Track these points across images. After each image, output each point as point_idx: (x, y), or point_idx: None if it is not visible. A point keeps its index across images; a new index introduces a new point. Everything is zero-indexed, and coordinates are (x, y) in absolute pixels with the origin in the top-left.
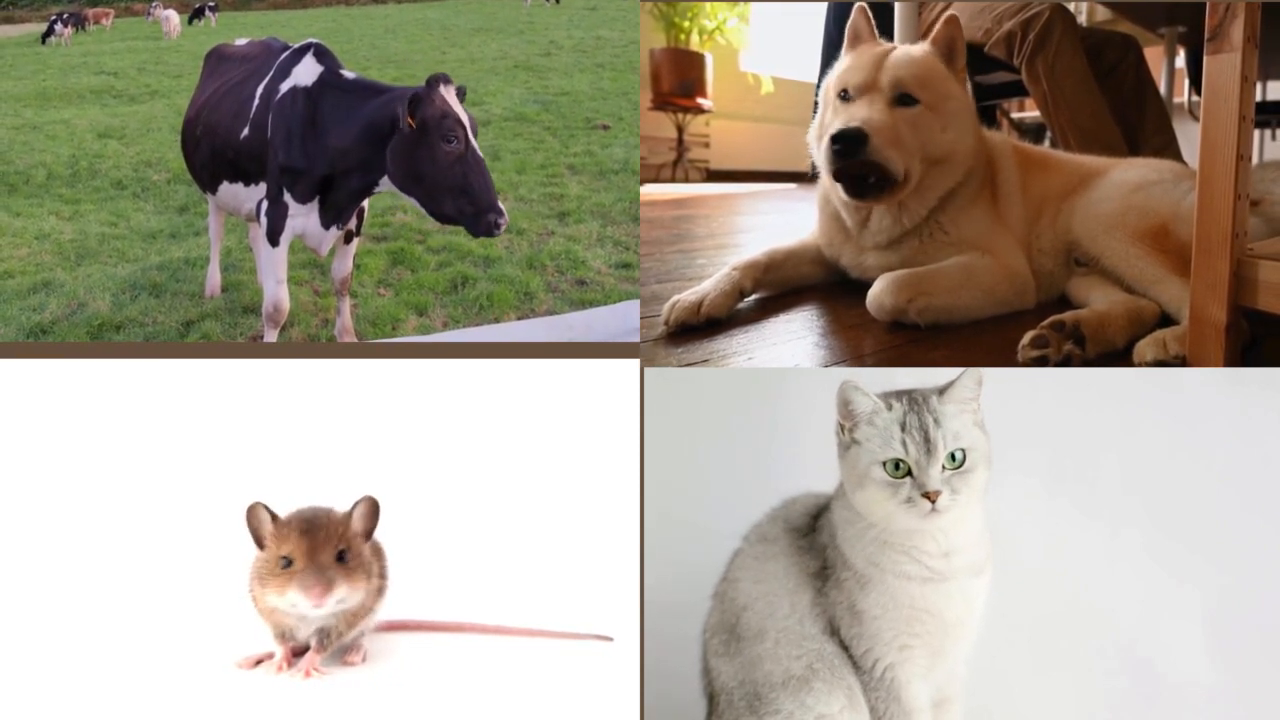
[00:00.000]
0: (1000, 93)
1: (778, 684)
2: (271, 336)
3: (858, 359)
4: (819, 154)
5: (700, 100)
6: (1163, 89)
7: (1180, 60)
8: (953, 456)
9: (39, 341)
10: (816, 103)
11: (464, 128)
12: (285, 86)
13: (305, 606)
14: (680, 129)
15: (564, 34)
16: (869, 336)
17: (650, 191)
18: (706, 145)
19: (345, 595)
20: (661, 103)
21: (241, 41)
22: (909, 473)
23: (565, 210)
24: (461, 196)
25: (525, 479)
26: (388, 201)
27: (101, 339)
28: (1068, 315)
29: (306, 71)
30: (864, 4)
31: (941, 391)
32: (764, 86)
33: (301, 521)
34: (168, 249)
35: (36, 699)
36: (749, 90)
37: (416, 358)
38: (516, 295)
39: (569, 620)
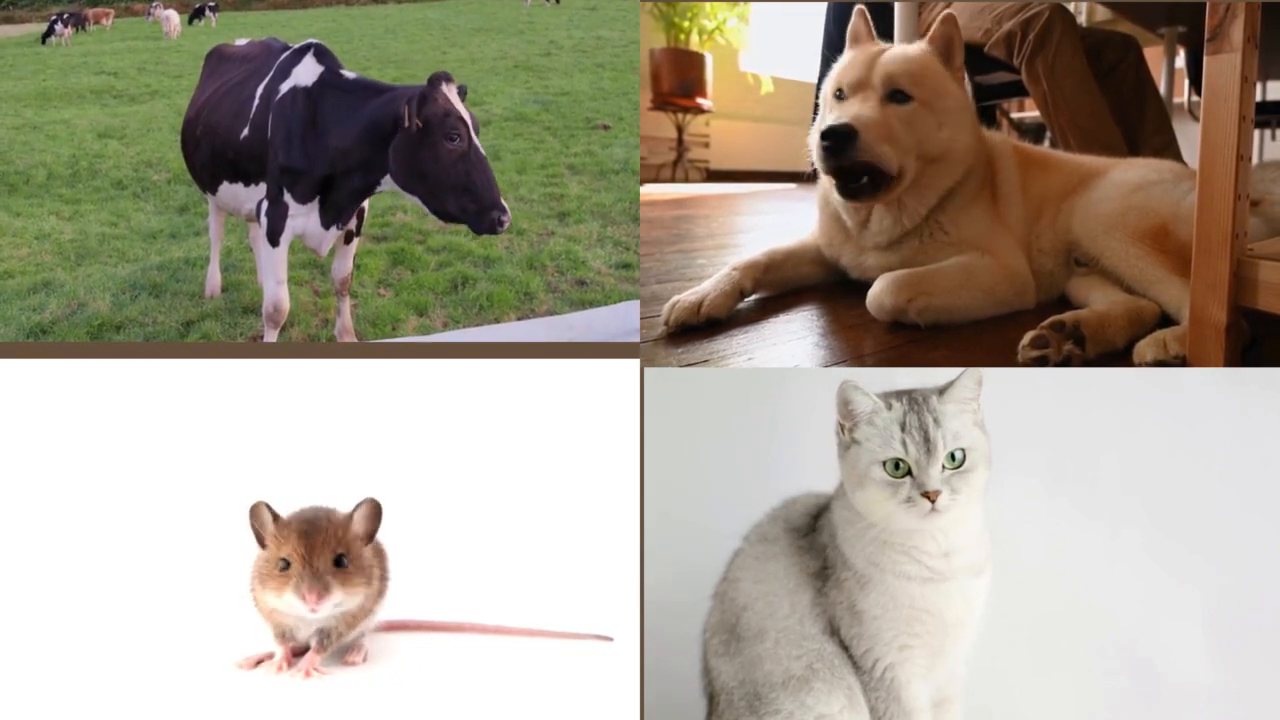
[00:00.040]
0: (1000, 93)
1: (778, 684)
2: (271, 336)
3: (858, 359)
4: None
5: (700, 100)
6: (1163, 89)
7: (1180, 60)
8: (952, 456)
9: (39, 341)
10: (817, 103)
11: (466, 125)
12: (285, 87)
13: (301, 610)
14: (680, 129)
15: (564, 34)
16: (869, 336)
17: (650, 191)
18: (706, 145)
19: (342, 600)
20: (661, 103)
21: (242, 42)
22: (909, 472)
23: (565, 210)
24: (464, 194)
25: (525, 479)
26: (388, 201)
27: (101, 339)
28: (1068, 315)
29: (307, 72)
30: (863, 6)
31: (941, 391)
32: (764, 86)
33: (301, 523)
34: (168, 249)
35: (37, 699)
36: (749, 90)
37: (417, 358)
38: (517, 295)
39: (569, 620)
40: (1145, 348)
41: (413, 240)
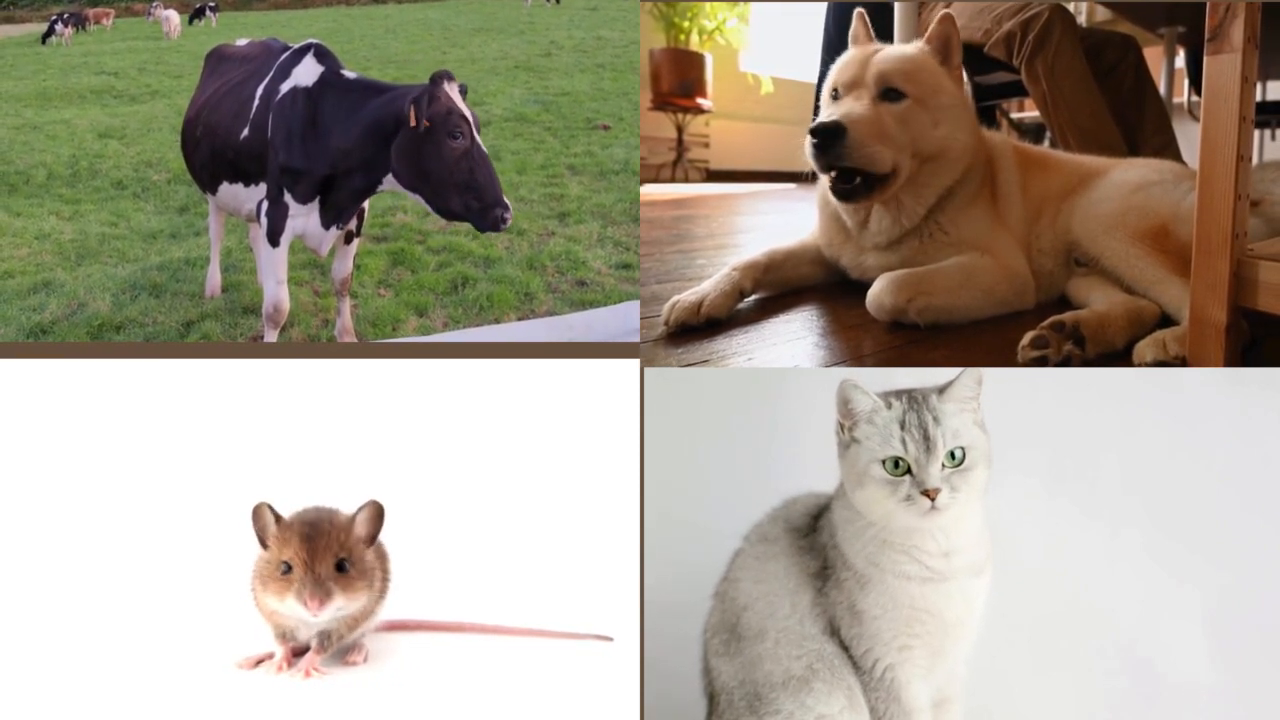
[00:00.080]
0: (1000, 93)
1: (778, 684)
2: (272, 337)
3: (857, 359)
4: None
5: (700, 100)
6: (1162, 89)
7: (1180, 60)
8: (952, 455)
9: (39, 341)
10: (817, 104)
11: (469, 123)
12: (285, 87)
13: (303, 615)
14: (680, 129)
15: (564, 34)
16: (869, 337)
17: (650, 191)
18: (706, 145)
19: (343, 605)
20: (661, 103)
21: (242, 42)
22: (908, 471)
23: (565, 211)
24: (468, 192)
25: (525, 479)
26: (388, 202)
27: (101, 339)
28: (1067, 316)
29: (307, 72)
30: (862, 10)
31: (941, 390)
32: (764, 86)
33: (303, 526)
34: (168, 249)
35: (37, 699)
36: (749, 90)
37: (417, 358)
38: (517, 296)
39: (569, 620)
40: (1145, 348)
41: (413, 240)
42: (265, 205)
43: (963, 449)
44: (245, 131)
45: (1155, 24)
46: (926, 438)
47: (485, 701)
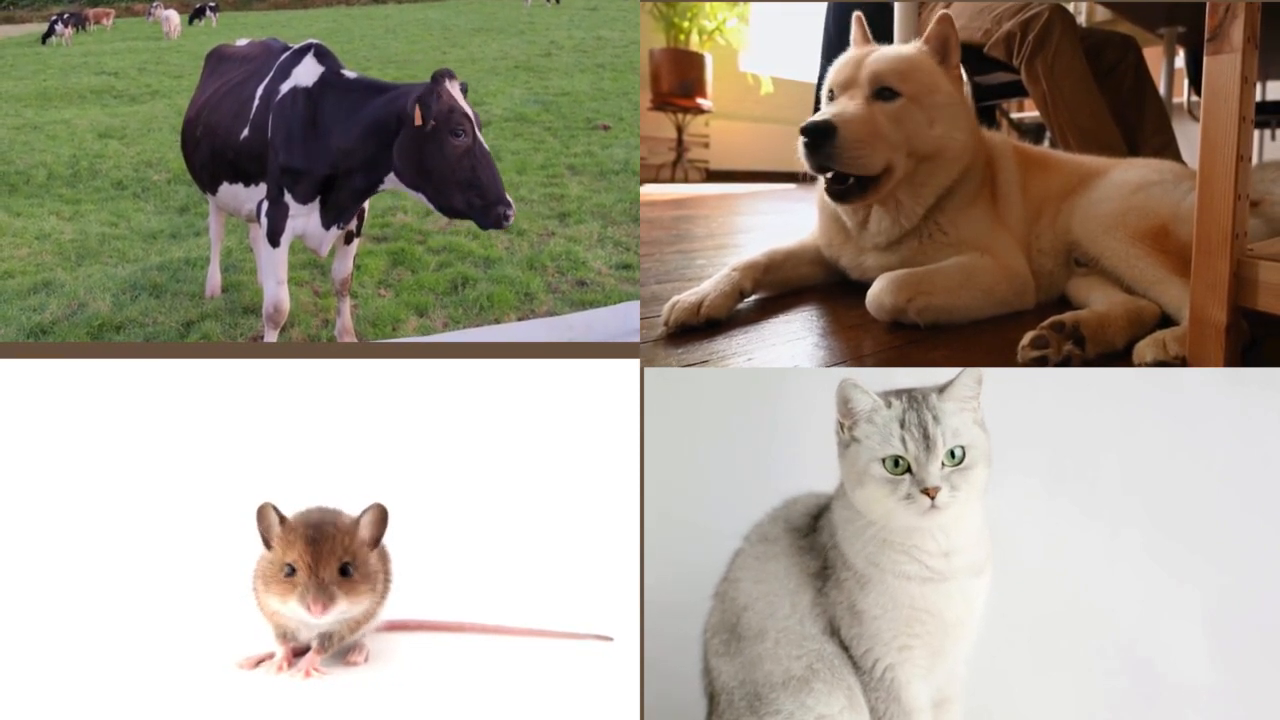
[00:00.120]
0: (1000, 93)
1: (778, 684)
2: (272, 337)
3: (857, 359)
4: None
5: (700, 100)
6: (1162, 89)
7: (1180, 60)
8: (952, 454)
9: (39, 341)
10: (817, 105)
11: (471, 121)
12: (285, 87)
13: (306, 618)
14: (680, 129)
15: (564, 34)
16: (868, 337)
17: (650, 192)
18: (706, 145)
19: (347, 609)
20: (661, 103)
21: (242, 42)
22: (908, 469)
23: (566, 211)
24: (470, 190)
25: (525, 479)
26: (388, 202)
27: (102, 339)
28: (1067, 316)
29: (307, 72)
30: (860, 14)
31: (941, 390)
32: (763, 87)
33: (308, 529)
34: (168, 249)
35: (37, 698)
36: (748, 90)
37: (417, 358)
38: (517, 296)
39: (569, 620)
40: (1145, 348)
41: (413, 241)
42: (265, 205)
43: (962, 448)
44: (245, 132)
45: (1155, 24)
46: (926, 436)
47: (485, 701)
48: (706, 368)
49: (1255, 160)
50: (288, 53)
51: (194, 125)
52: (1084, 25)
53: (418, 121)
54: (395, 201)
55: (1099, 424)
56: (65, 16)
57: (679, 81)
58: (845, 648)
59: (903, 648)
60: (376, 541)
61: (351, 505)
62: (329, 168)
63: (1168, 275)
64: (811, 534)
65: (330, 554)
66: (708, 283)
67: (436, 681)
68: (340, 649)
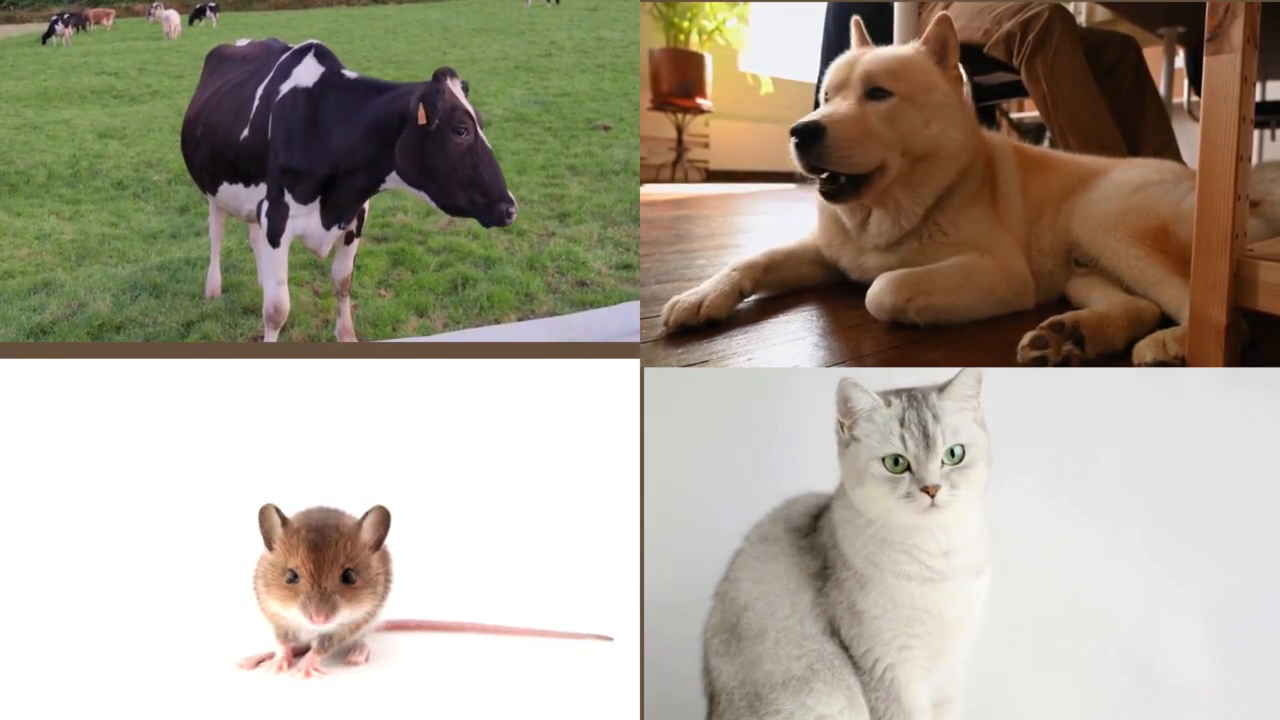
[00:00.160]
0: (1000, 93)
1: (778, 684)
2: (272, 337)
3: (857, 359)
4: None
5: (700, 100)
6: (1162, 89)
7: (1180, 60)
8: (952, 452)
9: (39, 342)
10: (817, 105)
11: (472, 119)
12: (286, 87)
13: (308, 624)
14: (680, 129)
15: (565, 35)
16: (868, 337)
17: (650, 192)
18: (706, 145)
19: (349, 615)
20: (661, 103)
21: (242, 42)
22: (908, 468)
23: (566, 211)
24: (473, 187)
25: (525, 479)
26: (388, 202)
27: (102, 339)
28: (1067, 316)
29: (307, 72)
30: (859, 18)
31: (941, 389)
32: (763, 87)
33: (310, 533)
34: (168, 249)
35: (37, 698)
36: (748, 90)
37: (417, 358)
38: (517, 296)
39: (569, 620)
40: (1145, 348)
41: (413, 241)
42: (265, 205)
43: (962, 446)
44: (245, 132)
45: (1155, 24)
46: (926, 435)
47: (485, 701)
48: (706, 368)
49: (1255, 160)
50: (288, 53)
51: (194, 125)
52: (1084, 25)
53: (422, 120)
54: (395, 202)
55: (1099, 424)
56: (65, 16)
57: (679, 81)
58: (845, 648)
59: (903, 648)
60: (379, 544)
61: (352, 505)
62: (329, 168)
63: (1167, 275)
64: (811, 534)
65: (333, 561)
66: (708, 283)
67: (436, 681)
68: (340, 649)
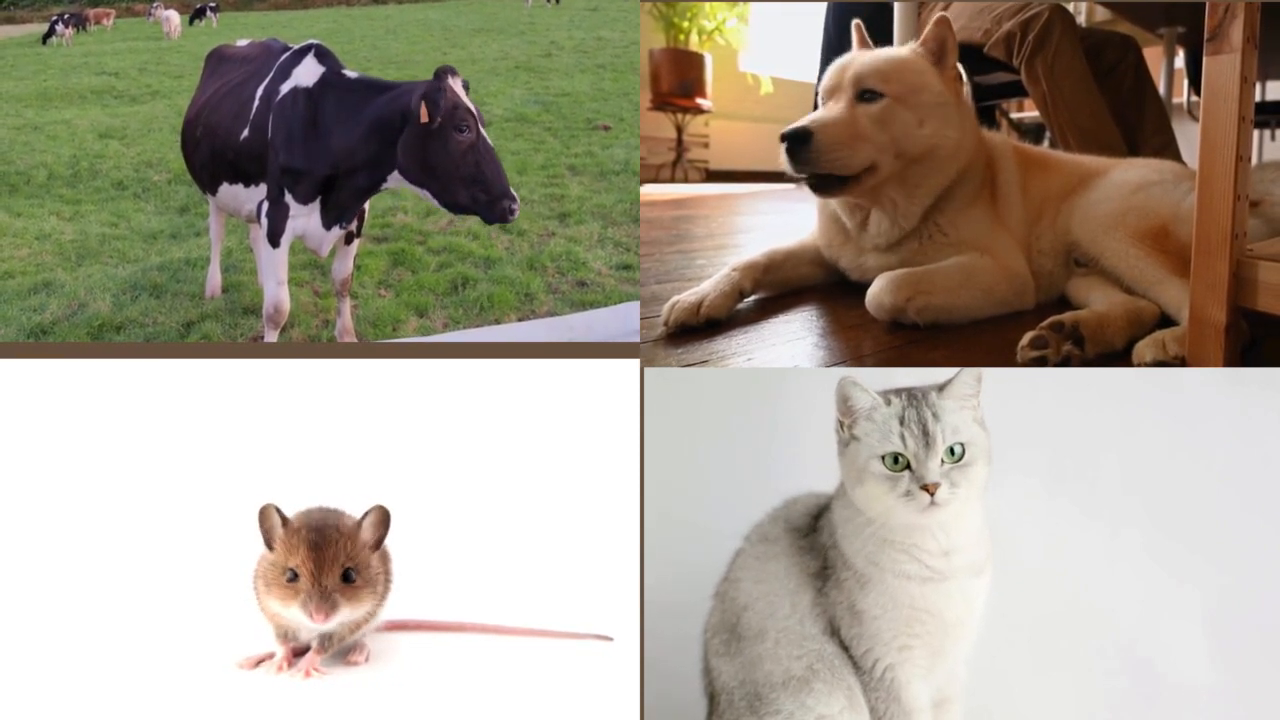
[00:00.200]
0: (1000, 93)
1: (778, 684)
2: (272, 337)
3: (857, 359)
4: None
5: (699, 100)
6: (1162, 89)
7: (1180, 60)
8: (951, 450)
9: (39, 342)
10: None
11: (474, 117)
12: (286, 87)
13: (308, 623)
14: (679, 129)
15: (565, 35)
16: (868, 337)
17: (650, 192)
18: (706, 145)
19: (349, 614)
20: (661, 103)
21: (242, 42)
22: (908, 466)
23: (566, 211)
24: (475, 185)
25: (525, 479)
26: (388, 202)
27: (102, 339)
28: (1067, 316)
29: (307, 72)
30: (859, 22)
31: (941, 388)
32: (763, 87)
33: (311, 533)
34: (168, 250)
35: (37, 698)
36: (748, 90)
37: (417, 358)
38: (517, 296)
39: (569, 620)
40: (1144, 348)
41: (413, 241)
42: (266, 206)
43: (962, 445)
44: (245, 132)
45: (1155, 24)
46: (926, 433)
47: (485, 701)
48: (706, 368)
49: (1255, 160)
50: (288, 53)
51: (194, 126)
52: (1084, 25)
53: (424, 118)
54: (395, 202)
55: (1099, 424)
56: (66, 17)
57: (679, 81)
58: (845, 648)
59: (903, 648)
60: (379, 544)
61: (352, 505)
62: (330, 168)
63: (1167, 275)
64: (812, 534)
65: (333, 560)
66: (707, 283)
67: (436, 681)
68: (340, 649)
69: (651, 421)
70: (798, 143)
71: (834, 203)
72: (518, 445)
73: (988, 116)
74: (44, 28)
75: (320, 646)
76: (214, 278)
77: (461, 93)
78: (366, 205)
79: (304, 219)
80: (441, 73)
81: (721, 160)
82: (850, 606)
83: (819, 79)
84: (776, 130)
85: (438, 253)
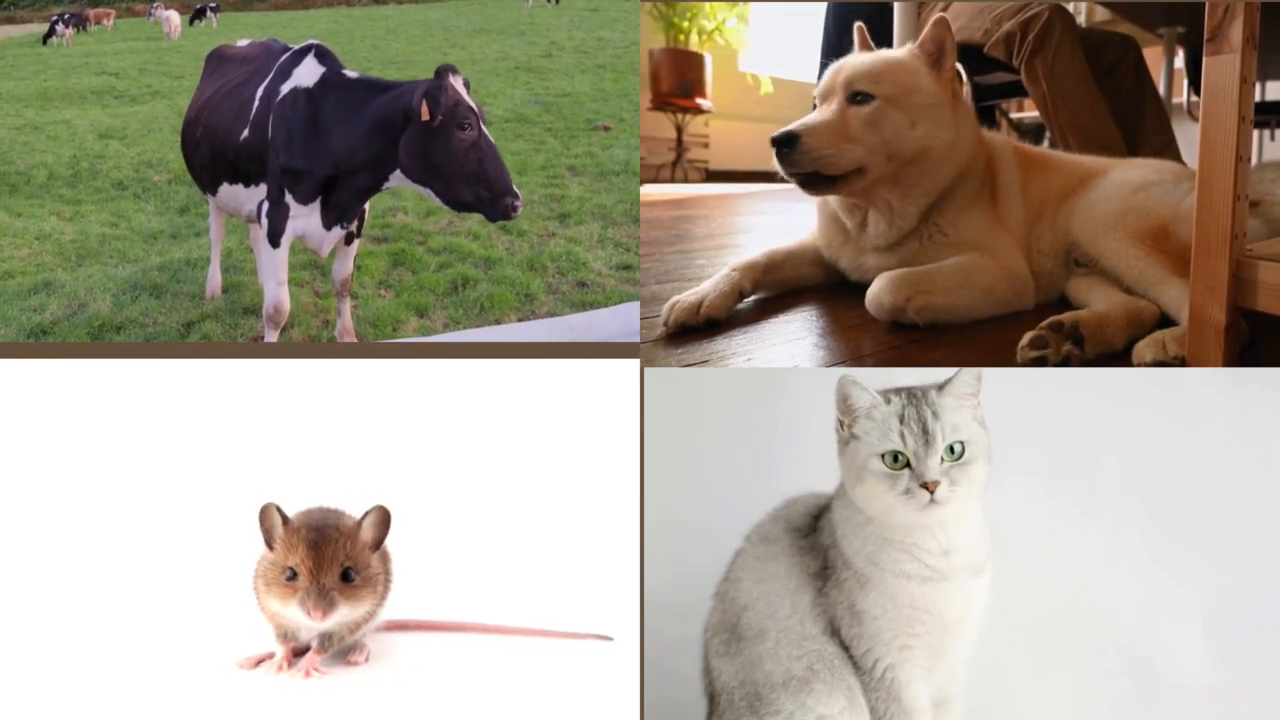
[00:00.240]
0: (1000, 93)
1: (778, 684)
2: (272, 337)
3: (857, 360)
4: None
5: (699, 100)
6: (1162, 89)
7: (1179, 60)
8: (951, 449)
9: (39, 342)
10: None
11: (475, 115)
12: (286, 88)
13: (307, 622)
14: (679, 129)
15: (565, 35)
16: (868, 337)
17: (649, 192)
18: (706, 145)
19: (348, 613)
20: (660, 103)
21: (242, 43)
22: (907, 464)
23: (566, 212)
24: (478, 182)
25: (526, 479)
26: (388, 203)
27: (102, 339)
28: (1066, 316)
29: (308, 72)
30: (861, 25)
31: (941, 387)
32: (763, 87)
33: (310, 532)
34: (168, 250)
35: (37, 698)
36: (748, 90)
37: (417, 358)
38: (517, 297)
39: (569, 620)
40: (1144, 348)
41: (413, 241)
42: (266, 206)
43: (962, 443)
44: (245, 132)
45: (1155, 24)
46: (925, 431)
47: (485, 701)
48: (706, 368)
49: (1255, 160)
50: (288, 53)
51: (194, 126)
52: (1084, 25)
53: (425, 116)
54: (395, 202)
55: (1099, 424)
56: (66, 17)
57: (679, 81)
58: (846, 648)
59: (903, 648)
60: (378, 544)
61: (352, 505)
62: (330, 168)
63: (1167, 275)
64: (812, 534)
65: (332, 559)
66: (707, 283)
67: (436, 681)
68: (341, 649)
69: (651, 421)
70: (786, 146)
71: (833, 203)
72: (518, 445)
73: (988, 116)
74: (44, 28)
75: (320, 646)
76: (214, 278)
77: (462, 90)
78: (367, 206)
79: (304, 219)
80: (442, 71)
81: (721, 160)
82: (850, 606)
83: (819, 79)
84: (776, 130)
85: (438, 253)
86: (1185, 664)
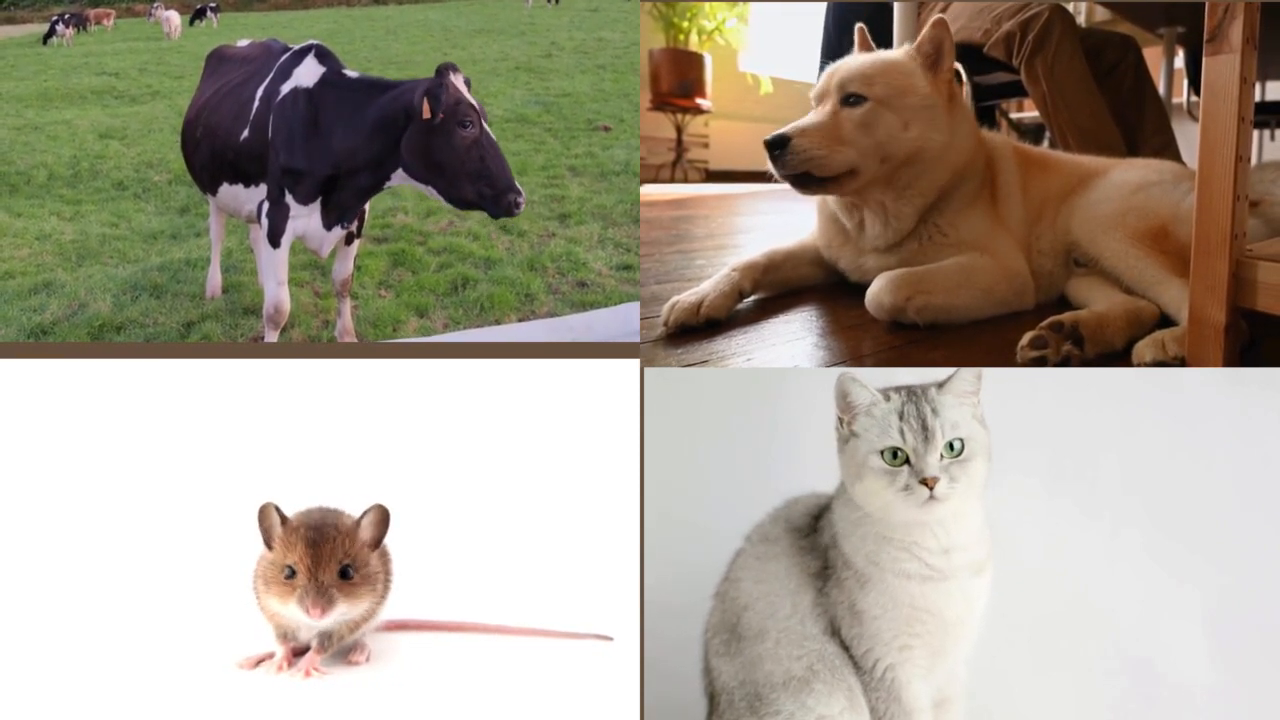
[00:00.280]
0: (999, 93)
1: (778, 684)
2: (272, 338)
3: (857, 360)
4: None
5: (699, 101)
6: (1162, 89)
7: (1179, 60)
8: (951, 446)
9: (40, 342)
10: None
11: (477, 112)
12: (286, 88)
13: (305, 620)
14: (679, 129)
15: (565, 35)
16: (868, 337)
17: (649, 192)
18: (705, 146)
19: (346, 611)
20: (660, 103)
21: (243, 43)
22: (907, 461)
23: (566, 212)
24: (480, 180)
25: (526, 479)
26: (388, 203)
27: (102, 340)
28: (1066, 316)
29: (308, 73)
30: (862, 26)
31: (940, 384)
32: (763, 87)
33: (309, 530)
34: (168, 250)
35: (37, 698)
36: (748, 91)
37: (417, 358)
38: (517, 297)
39: (569, 620)
40: (1144, 348)
41: (413, 241)
42: (266, 206)
43: (961, 440)
44: (245, 133)
45: (1155, 24)
46: (925, 428)
47: (485, 701)
48: (706, 368)
49: (1255, 160)
50: (288, 54)
51: (194, 126)
52: (1084, 25)
53: (426, 114)
54: (395, 202)
55: (1099, 424)
56: (66, 17)
57: (678, 82)
58: (846, 648)
59: (903, 647)
60: (378, 543)
61: (352, 505)
62: (331, 168)
63: (1167, 275)
64: (812, 534)
65: (330, 556)
66: (707, 283)
67: (436, 681)
68: (341, 649)
69: (651, 421)
70: (777, 148)
71: (833, 203)
72: (518, 445)
73: (988, 116)
74: (44, 28)
75: (320, 646)
76: (214, 278)
77: (463, 88)
78: (367, 206)
79: (304, 219)
80: (443, 69)
81: (721, 160)
82: (851, 606)
83: (818, 79)
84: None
85: (438, 253)
86: (1185, 664)
